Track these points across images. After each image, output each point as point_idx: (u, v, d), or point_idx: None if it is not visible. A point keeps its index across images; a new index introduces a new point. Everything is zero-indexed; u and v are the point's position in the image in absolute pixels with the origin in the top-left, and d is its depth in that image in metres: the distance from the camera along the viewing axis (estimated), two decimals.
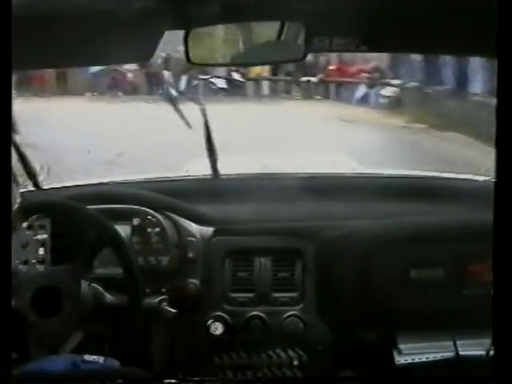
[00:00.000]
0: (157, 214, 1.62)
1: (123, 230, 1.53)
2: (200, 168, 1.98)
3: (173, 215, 1.65)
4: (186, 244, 1.62)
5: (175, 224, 1.64)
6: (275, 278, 1.62)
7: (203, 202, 1.73)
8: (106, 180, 1.94)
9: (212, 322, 1.56)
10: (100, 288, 1.44)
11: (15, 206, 1.27)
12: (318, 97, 12.47)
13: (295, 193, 1.70)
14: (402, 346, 1.51)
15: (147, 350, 1.57)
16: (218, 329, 1.56)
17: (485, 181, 1.74)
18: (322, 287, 1.59)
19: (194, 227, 1.66)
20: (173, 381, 0.97)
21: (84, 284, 1.42)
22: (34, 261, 1.53)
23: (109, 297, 1.44)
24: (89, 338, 1.40)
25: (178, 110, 1.82)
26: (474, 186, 1.75)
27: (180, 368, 1.58)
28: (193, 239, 1.63)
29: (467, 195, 1.65)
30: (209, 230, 1.67)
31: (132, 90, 12.22)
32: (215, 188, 1.82)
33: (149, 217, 1.61)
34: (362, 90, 11.79)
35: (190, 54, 0.96)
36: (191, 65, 0.99)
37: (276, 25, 0.99)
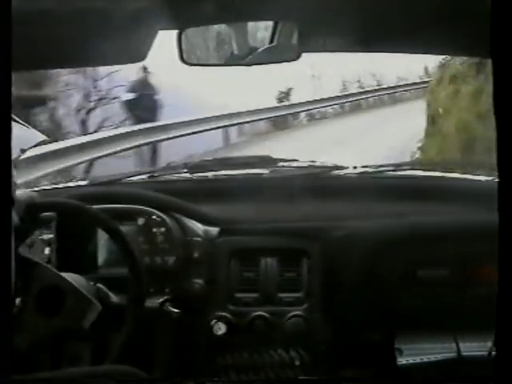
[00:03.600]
0: (162, 214, 1.62)
1: (128, 230, 1.53)
2: None
3: (178, 215, 1.65)
4: (191, 244, 1.62)
5: (180, 224, 1.64)
6: (281, 279, 1.61)
7: (208, 202, 1.73)
8: (110, 180, 1.94)
9: (215, 322, 1.56)
10: (104, 288, 1.45)
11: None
12: None
13: (300, 193, 1.69)
14: (404, 347, 1.50)
15: (151, 350, 1.58)
16: (221, 329, 1.55)
17: (486, 181, 1.72)
18: (327, 287, 1.59)
19: (199, 227, 1.66)
20: (176, 381, 0.97)
21: (88, 284, 1.42)
22: (39, 261, 1.54)
23: (113, 296, 1.45)
24: (92, 338, 1.41)
25: None
26: (475, 186, 1.74)
27: (183, 368, 1.58)
28: (198, 239, 1.63)
29: (469, 195, 1.63)
30: (214, 230, 1.66)
31: None
32: (220, 188, 1.81)
33: (154, 217, 1.61)
34: None
35: (184, 55, 0.96)
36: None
37: (270, 25, 0.98)
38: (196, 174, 1.87)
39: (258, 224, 1.68)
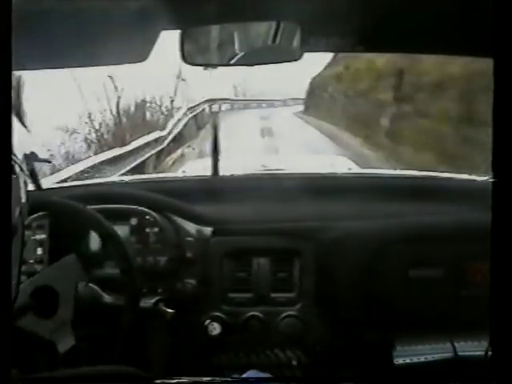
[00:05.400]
0: (155, 214, 1.61)
1: (121, 230, 1.53)
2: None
3: (171, 215, 1.64)
4: (184, 244, 1.61)
5: (173, 224, 1.63)
6: (274, 279, 1.61)
7: (202, 202, 1.72)
8: (103, 180, 1.94)
9: (210, 323, 1.56)
10: (97, 288, 1.44)
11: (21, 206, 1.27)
12: None
13: (294, 193, 1.69)
14: (400, 347, 1.51)
15: (145, 351, 1.57)
16: (215, 329, 1.55)
17: (484, 181, 1.73)
18: (320, 287, 1.59)
19: (192, 227, 1.65)
20: (170, 381, 0.96)
21: (81, 284, 1.41)
22: (31, 261, 1.53)
23: (106, 297, 1.44)
24: (86, 339, 1.40)
25: None
26: (473, 186, 1.75)
27: (178, 368, 1.58)
28: (191, 239, 1.62)
29: (467, 195, 1.64)
30: (207, 230, 1.66)
31: None
32: (213, 188, 1.81)
33: (147, 217, 1.60)
34: None
35: (186, 54, 0.96)
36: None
37: (272, 25, 0.99)
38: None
39: (251, 224, 1.68)
